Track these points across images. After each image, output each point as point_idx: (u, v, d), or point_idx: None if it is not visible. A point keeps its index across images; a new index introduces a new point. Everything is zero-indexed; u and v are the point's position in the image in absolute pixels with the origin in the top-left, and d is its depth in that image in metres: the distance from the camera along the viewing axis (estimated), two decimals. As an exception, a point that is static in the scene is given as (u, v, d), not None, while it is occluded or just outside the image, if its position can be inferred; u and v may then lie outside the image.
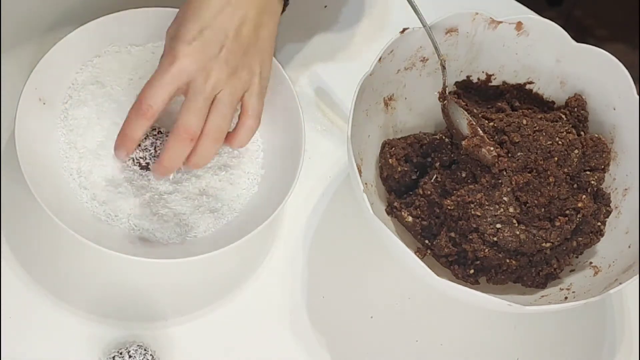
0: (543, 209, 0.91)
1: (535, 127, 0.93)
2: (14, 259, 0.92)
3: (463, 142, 0.92)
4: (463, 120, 0.93)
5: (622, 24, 1.57)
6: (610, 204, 0.96)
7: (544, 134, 0.93)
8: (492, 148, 0.92)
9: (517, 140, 0.92)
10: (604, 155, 0.95)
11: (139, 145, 0.92)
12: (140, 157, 0.92)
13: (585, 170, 0.95)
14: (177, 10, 0.96)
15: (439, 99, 0.94)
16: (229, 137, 0.89)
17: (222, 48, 0.85)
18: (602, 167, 0.95)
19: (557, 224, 0.91)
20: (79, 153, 0.93)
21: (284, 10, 0.91)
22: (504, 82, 1.00)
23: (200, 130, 0.85)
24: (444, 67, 0.93)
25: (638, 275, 0.88)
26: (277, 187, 0.94)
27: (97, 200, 0.92)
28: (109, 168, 0.92)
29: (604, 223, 0.96)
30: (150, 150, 0.92)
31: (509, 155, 0.92)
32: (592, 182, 0.94)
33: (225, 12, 0.86)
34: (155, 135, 0.92)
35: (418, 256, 0.86)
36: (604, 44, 1.13)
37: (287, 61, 1.00)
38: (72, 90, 0.95)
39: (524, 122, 0.93)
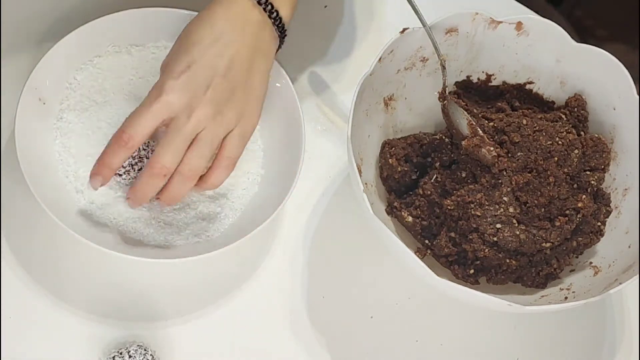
0: (543, 209, 0.91)
1: (535, 127, 0.93)
2: (14, 259, 0.92)
3: (463, 142, 0.92)
4: (463, 120, 0.93)
5: (622, 24, 1.57)
6: (610, 204, 0.96)
7: (544, 134, 0.93)
8: (492, 148, 0.92)
9: (517, 140, 0.92)
10: (604, 155, 0.95)
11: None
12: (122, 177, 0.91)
13: (585, 170, 0.95)
14: (176, 10, 0.97)
15: (439, 99, 0.94)
16: (201, 178, 0.88)
17: (209, 86, 0.84)
18: (602, 167, 0.95)
19: (557, 224, 0.91)
20: (73, 158, 0.92)
21: (278, 49, 0.90)
22: (504, 82, 1.00)
23: (174, 167, 0.84)
24: (444, 67, 0.93)
25: (638, 275, 0.88)
26: (277, 187, 0.94)
27: (95, 204, 0.91)
28: None
29: (604, 223, 0.96)
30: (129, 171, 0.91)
31: (509, 155, 0.92)
32: (592, 182, 0.94)
33: (215, 48, 0.84)
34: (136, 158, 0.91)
35: (418, 256, 0.86)
36: (604, 44, 1.13)
37: (287, 61, 1.00)
38: (69, 91, 0.95)
39: (524, 122, 0.93)
